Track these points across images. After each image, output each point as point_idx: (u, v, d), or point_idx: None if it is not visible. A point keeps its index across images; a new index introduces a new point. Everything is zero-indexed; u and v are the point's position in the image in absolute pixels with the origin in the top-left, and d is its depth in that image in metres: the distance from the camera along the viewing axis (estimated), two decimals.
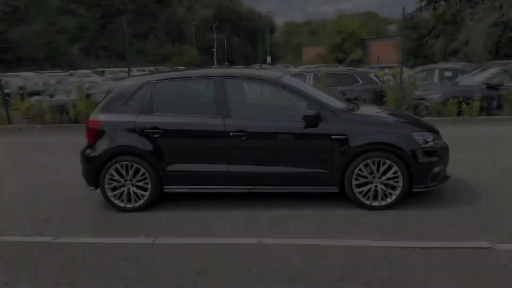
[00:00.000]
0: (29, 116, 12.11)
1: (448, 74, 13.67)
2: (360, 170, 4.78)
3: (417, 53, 31.43)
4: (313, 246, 4.00)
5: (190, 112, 5.01)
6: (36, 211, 5.24)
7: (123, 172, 4.97)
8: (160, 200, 5.20)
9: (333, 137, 4.78)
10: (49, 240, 4.30)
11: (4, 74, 17.03)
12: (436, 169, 4.89)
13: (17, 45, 35.94)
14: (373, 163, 4.77)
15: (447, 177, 5.19)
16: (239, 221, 4.69)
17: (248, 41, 71.60)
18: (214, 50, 53.34)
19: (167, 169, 4.94)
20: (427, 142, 4.84)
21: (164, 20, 56.41)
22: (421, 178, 4.81)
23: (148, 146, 4.91)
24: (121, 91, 5.19)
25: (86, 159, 5.09)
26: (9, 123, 12.23)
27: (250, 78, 5.23)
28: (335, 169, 4.81)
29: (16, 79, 16.21)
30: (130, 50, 9.15)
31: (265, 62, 40.31)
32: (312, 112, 4.74)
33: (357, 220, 4.60)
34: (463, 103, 10.67)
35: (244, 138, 4.83)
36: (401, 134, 4.82)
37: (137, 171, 4.97)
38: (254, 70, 5.86)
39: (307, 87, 5.54)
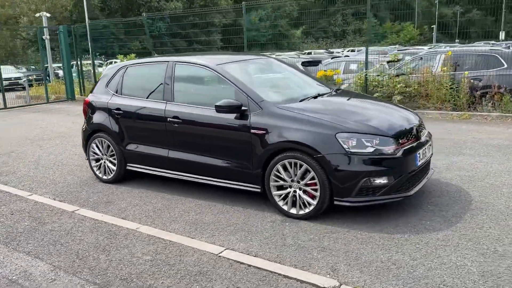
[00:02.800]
0: None
1: None
2: (278, 171, 4.19)
3: None
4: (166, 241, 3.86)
5: (145, 96, 5.24)
6: None
7: (100, 147, 5.61)
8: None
9: (252, 130, 4.31)
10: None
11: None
12: (372, 182, 3.87)
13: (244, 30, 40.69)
14: (290, 165, 4.12)
15: (406, 195, 4.03)
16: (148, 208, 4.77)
17: (490, 14, 62.15)
18: (434, 26, 48.57)
19: (126, 148, 5.35)
20: (362, 146, 3.87)
21: None
22: (344, 189, 3.91)
23: (114, 126, 5.40)
24: (105, 74, 5.80)
25: (81, 132, 5.93)
26: None
27: (188, 63, 5.05)
28: (256, 166, 4.34)
29: None
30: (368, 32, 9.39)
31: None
32: (226, 102, 4.35)
33: (242, 225, 4.11)
34: None
35: (177, 125, 4.82)
36: (322, 134, 3.98)
37: (108, 147, 5.53)
38: (208, 57, 5.42)
39: (246, 75, 4.95)
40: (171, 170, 5.04)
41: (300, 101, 4.54)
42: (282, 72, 5.52)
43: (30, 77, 18.92)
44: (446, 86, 9.38)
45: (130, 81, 5.46)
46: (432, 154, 4.62)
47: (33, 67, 28.33)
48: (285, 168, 4.15)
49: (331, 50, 35.40)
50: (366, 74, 10.21)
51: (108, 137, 5.47)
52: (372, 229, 3.88)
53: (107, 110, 5.47)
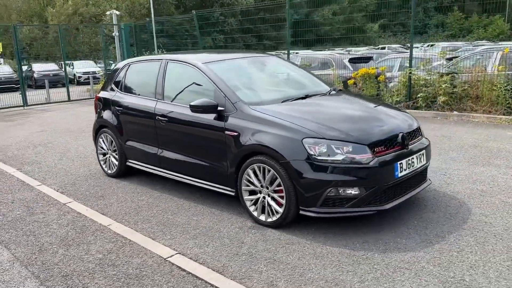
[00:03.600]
0: None
1: None
2: (249, 175, 4.02)
3: None
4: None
5: (141, 93, 5.28)
6: None
7: (106, 142, 5.78)
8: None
9: (226, 132, 4.17)
10: None
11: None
12: (340, 192, 3.57)
13: (317, 25, 40.05)
14: (259, 170, 3.93)
15: (380, 209, 3.67)
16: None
17: None
18: None
19: (126, 144, 5.45)
20: (331, 153, 3.58)
21: None
22: (309, 199, 3.64)
23: (116, 122, 5.53)
24: (112, 71, 5.93)
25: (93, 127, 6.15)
26: None
27: (178, 61, 4.96)
28: (230, 169, 4.20)
29: None
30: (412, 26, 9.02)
31: None
32: (200, 101, 4.24)
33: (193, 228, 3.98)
34: None
35: (163, 123, 4.80)
36: (288, 139, 3.73)
37: (111, 143, 5.68)
38: (201, 55, 5.35)
39: (233, 75, 4.75)
40: (162, 168, 5.04)
41: (282, 102, 4.31)
42: (280, 71, 5.29)
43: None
44: (501, 87, 8.46)
45: (131, 78, 5.55)
46: (426, 164, 4.15)
47: (111, 62, 30.16)
48: (255, 173, 3.96)
49: (407, 45, 33.67)
50: (410, 73, 9.51)
51: (111, 132, 5.60)
52: (336, 243, 3.57)
53: (111, 107, 5.60)
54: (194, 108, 4.23)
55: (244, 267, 3.29)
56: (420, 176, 4.13)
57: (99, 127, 5.84)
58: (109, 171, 5.80)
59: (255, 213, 4.04)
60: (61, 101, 15.36)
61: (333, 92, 4.89)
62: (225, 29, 26.48)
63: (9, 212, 4.71)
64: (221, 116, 4.22)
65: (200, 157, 4.50)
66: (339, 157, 3.57)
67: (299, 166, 3.61)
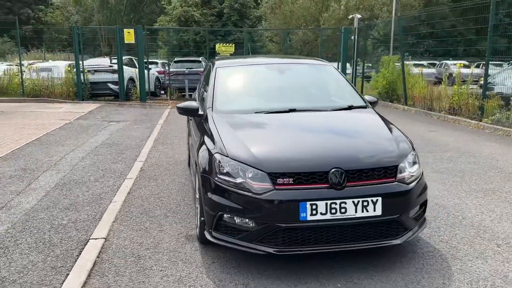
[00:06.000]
0: None
1: None
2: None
3: None
4: None
5: None
6: None
7: None
8: None
9: None
10: None
11: None
12: (231, 220, 3.22)
13: None
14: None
15: (269, 251, 3.09)
16: None
17: None
18: None
19: None
20: (235, 175, 3.22)
21: None
22: (207, 219, 3.38)
23: None
24: None
25: None
26: None
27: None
28: None
29: None
30: None
31: None
32: (184, 104, 4.39)
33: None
34: None
35: None
36: (208, 152, 3.53)
37: None
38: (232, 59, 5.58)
39: (236, 80, 4.74)
40: None
41: (254, 113, 4.02)
42: (307, 81, 4.79)
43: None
44: None
45: None
46: (379, 215, 3.11)
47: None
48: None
49: None
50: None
51: None
52: (225, 272, 3.21)
53: None
54: (178, 110, 4.37)
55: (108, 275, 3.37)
56: (377, 228, 3.16)
57: None
58: None
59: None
60: None
61: (343, 109, 4.16)
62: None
63: None
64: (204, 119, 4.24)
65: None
66: (238, 181, 3.17)
67: (206, 182, 3.39)
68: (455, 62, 16.95)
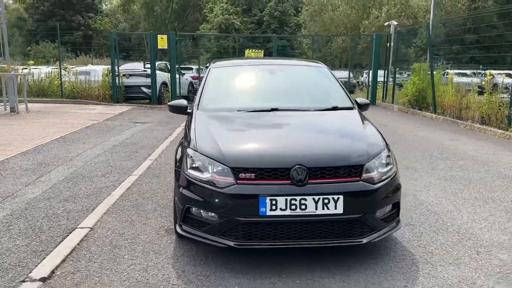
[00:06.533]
0: None
1: None
2: None
3: None
4: None
5: None
6: None
7: None
8: None
9: None
10: None
11: None
12: (197, 213, 3.33)
13: None
14: None
15: (229, 245, 3.16)
16: None
17: None
18: None
19: None
20: (203, 169, 3.32)
21: None
22: (179, 212, 3.48)
23: None
24: None
25: None
26: None
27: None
28: None
29: None
30: None
31: None
32: (174, 102, 4.60)
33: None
34: None
35: None
36: (182, 146, 3.70)
37: None
38: (231, 60, 5.52)
39: (227, 80, 4.83)
40: None
41: (237, 111, 4.13)
42: (298, 82, 4.81)
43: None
44: None
45: None
46: (339, 213, 3.10)
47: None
48: None
49: None
50: None
51: None
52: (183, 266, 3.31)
53: None
54: (169, 107, 4.52)
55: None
56: (339, 226, 3.16)
57: None
58: None
59: None
60: None
61: (326, 110, 4.19)
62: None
63: None
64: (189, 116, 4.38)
65: None
66: (205, 175, 3.27)
67: (179, 176, 3.50)
68: (500, 72, 16.22)
